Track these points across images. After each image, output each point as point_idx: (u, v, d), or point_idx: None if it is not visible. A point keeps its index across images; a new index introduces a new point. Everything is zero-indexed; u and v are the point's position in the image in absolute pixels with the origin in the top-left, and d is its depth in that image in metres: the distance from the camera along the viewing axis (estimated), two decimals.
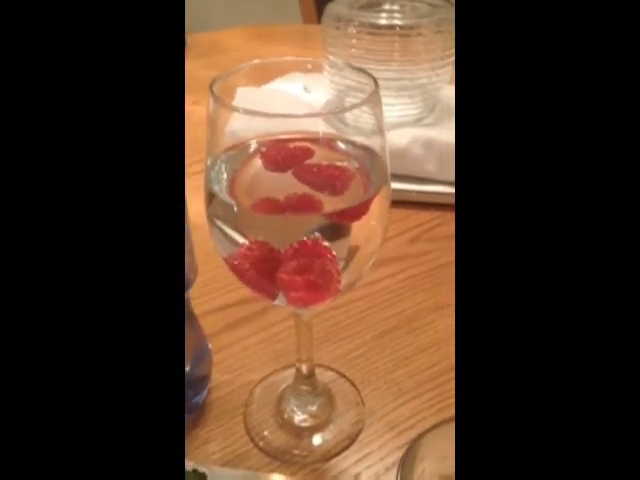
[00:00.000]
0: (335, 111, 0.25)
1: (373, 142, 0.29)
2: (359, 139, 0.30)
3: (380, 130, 0.29)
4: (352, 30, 0.59)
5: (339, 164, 0.29)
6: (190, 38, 0.99)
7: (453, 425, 0.27)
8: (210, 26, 1.13)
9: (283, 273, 0.27)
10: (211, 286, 0.46)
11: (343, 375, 0.40)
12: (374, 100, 0.28)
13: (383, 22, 0.59)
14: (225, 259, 0.30)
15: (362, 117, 0.28)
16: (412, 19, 0.60)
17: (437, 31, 0.61)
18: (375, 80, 0.28)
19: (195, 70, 0.95)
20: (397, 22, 0.59)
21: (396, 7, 0.60)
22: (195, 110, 0.80)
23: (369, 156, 0.29)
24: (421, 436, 0.27)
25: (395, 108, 0.64)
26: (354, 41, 0.59)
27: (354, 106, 0.27)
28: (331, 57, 0.62)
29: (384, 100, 0.72)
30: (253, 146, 0.30)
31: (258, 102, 0.32)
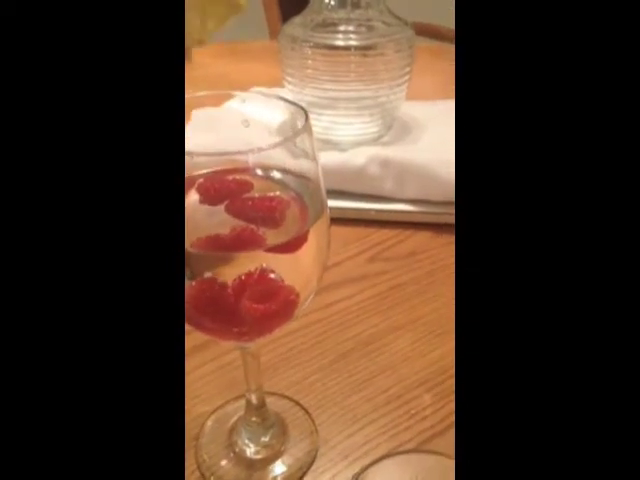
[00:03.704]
0: (262, 149, 0.25)
1: (308, 169, 0.29)
2: (295, 168, 0.29)
3: (313, 157, 0.28)
4: (308, 51, 0.59)
5: (273, 195, 0.29)
6: None
7: (394, 459, 0.27)
8: None
9: (246, 300, 0.27)
10: None
11: (298, 403, 0.40)
12: (307, 131, 0.27)
13: (340, 43, 0.60)
14: None
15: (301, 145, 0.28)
16: (370, 39, 0.61)
17: (397, 50, 0.62)
18: (306, 112, 0.28)
19: None
20: (353, 42, 0.60)
21: (351, 28, 0.60)
22: None
23: (305, 183, 0.29)
24: (363, 470, 0.26)
25: (354, 127, 0.64)
26: (310, 62, 0.60)
27: (287, 139, 0.27)
28: (289, 78, 0.62)
29: (344, 119, 0.71)
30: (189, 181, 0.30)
31: (212, 126, 0.32)
